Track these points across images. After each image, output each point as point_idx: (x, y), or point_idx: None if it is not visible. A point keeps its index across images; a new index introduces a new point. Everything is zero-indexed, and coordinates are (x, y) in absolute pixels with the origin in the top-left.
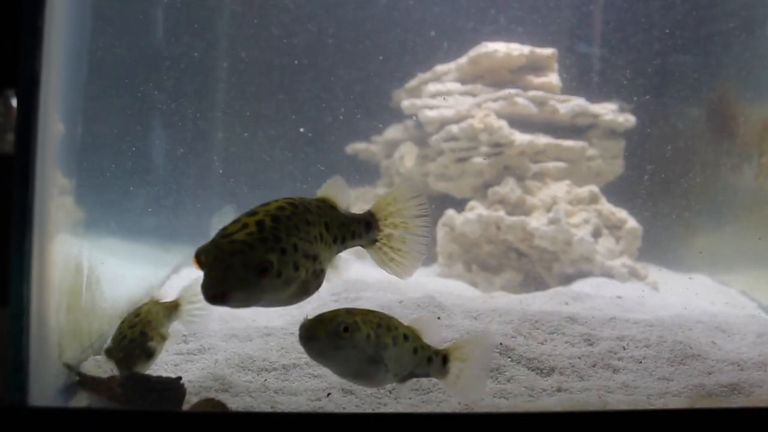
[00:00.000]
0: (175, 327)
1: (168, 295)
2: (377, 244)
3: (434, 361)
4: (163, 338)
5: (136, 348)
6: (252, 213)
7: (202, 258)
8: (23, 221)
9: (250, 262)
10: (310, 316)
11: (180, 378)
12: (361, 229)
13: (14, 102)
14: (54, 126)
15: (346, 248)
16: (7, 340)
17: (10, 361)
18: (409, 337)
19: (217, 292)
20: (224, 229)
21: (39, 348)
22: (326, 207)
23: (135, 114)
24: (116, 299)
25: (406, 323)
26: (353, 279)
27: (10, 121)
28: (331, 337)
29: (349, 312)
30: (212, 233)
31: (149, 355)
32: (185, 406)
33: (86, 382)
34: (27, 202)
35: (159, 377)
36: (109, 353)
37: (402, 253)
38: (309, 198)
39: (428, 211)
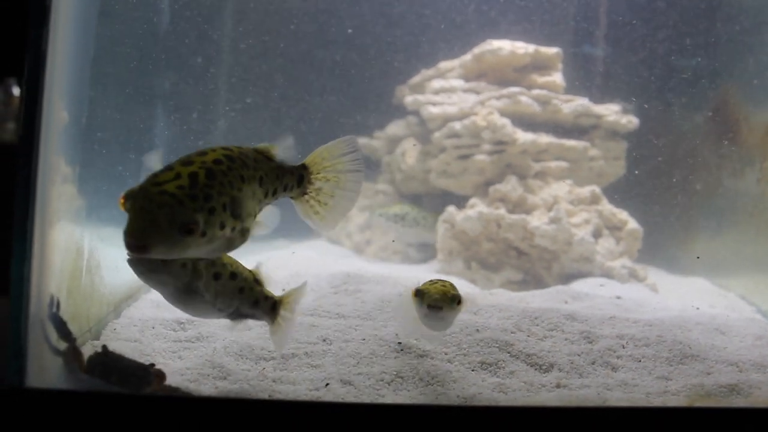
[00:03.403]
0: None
1: None
2: (306, 196)
3: (261, 305)
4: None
5: None
6: (187, 162)
7: (128, 203)
8: (25, 205)
9: (176, 219)
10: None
11: (152, 365)
12: (293, 182)
13: (15, 90)
14: (58, 113)
15: (275, 199)
16: (7, 323)
17: (10, 344)
18: (237, 276)
19: (138, 243)
20: (155, 175)
21: (38, 331)
22: (262, 159)
23: (139, 103)
24: (115, 286)
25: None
26: (353, 272)
27: (11, 110)
28: (150, 261)
29: None
30: (141, 175)
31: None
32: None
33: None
34: (30, 186)
35: (132, 361)
36: None
37: (327, 207)
38: (246, 148)
39: (362, 167)
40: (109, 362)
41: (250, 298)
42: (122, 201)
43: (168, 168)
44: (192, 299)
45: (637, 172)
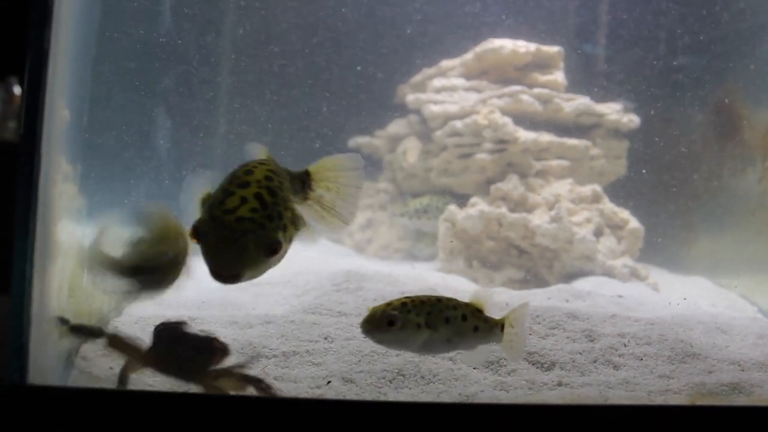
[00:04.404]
0: None
1: None
2: (308, 201)
3: None
4: None
5: None
6: (242, 184)
7: (206, 236)
8: (27, 204)
9: (264, 242)
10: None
11: (215, 338)
12: (297, 187)
13: (16, 89)
14: (60, 112)
15: None
16: (8, 321)
17: (11, 341)
18: None
19: (231, 273)
20: (220, 202)
21: (40, 329)
22: (277, 167)
23: (140, 102)
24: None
25: None
26: (354, 270)
27: (12, 108)
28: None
29: None
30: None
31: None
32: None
33: (113, 342)
34: (31, 185)
35: (195, 334)
36: None
37: (330, 214)
38: (266, 159)
39: (362, 184)
40: (175, 334)
41: None
42: (193, 232)
43: (228, 193)
44: None
45: (644, 171)
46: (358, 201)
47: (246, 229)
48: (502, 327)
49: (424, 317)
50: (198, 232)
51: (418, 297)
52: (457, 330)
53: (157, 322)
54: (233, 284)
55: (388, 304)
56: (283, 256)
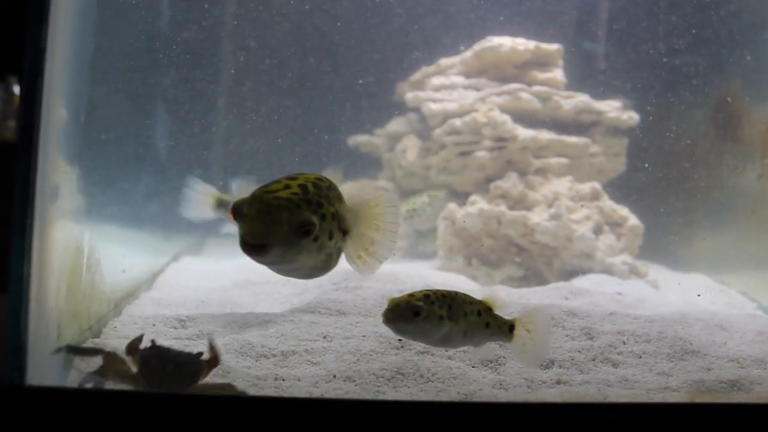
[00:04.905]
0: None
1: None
2: (346, 236)
3: None
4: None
5: None
6: (291, 177)
7: (243, 209)
8: (24, 203)
9: (296, 219)
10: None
11: (200, 354)
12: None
13: (16, 89)
14: (58, 110)
15: None
16: (6, 321)
17: (9, 341)
18: None
19: (259, 242)
20: (264, 186)
21: (38, 329)
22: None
23: (139, 101)
24: (116, 284)
25: None
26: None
27: (12, 108)
28: None
29: None
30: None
31: None
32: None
33: (107, 359)
34: (29, 183)
35: (179, 351)
36: None
37: (369, 252)
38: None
39: (399, 221)
40: (162, 354)
41: None
42: (232, 210)
43: (275, 181)
44: None
45: (645, 166)
46: (395, 239)
47: (281, 205)
48: (511, 328)
49: (446, 310)
50: (236, 209)
51: (437, 290)
52: (472, 325)
53: (157, 322)
54: (262, 261)
55: (411, 296)
56: (327, 257)
